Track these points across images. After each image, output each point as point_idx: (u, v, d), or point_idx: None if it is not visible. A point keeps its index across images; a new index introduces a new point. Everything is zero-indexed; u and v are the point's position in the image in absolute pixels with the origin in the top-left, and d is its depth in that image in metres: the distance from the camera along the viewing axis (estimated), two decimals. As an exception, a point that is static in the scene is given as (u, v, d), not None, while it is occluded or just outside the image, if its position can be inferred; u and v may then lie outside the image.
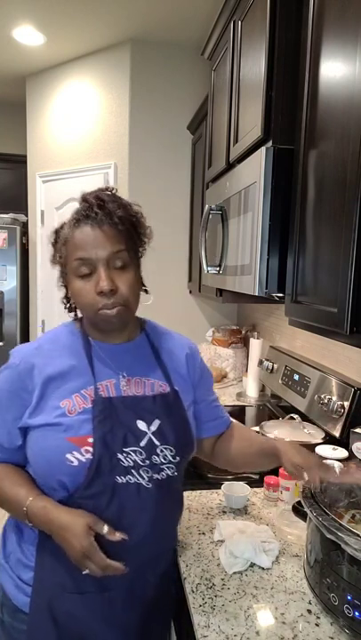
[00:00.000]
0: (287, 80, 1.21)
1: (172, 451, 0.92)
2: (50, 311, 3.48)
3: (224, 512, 1.23)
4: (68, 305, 1.01)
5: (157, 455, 0.90)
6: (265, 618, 0.86)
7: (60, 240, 0.94)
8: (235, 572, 0.98)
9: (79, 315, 1.00)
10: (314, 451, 1.34)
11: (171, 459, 0.91)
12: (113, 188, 0.95)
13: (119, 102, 2.87)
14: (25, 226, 3.70)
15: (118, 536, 0.83)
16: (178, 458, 0.93)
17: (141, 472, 0.88)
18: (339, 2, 0.99)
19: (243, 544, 1.02)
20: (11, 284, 3.63)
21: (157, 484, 0.90)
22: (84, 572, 0.82)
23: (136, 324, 1.03)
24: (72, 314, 1.02)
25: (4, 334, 3.64)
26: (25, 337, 3.74)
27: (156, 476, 0.90)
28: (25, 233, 3.70)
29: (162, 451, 0.90)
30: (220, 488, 1.28)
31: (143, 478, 0.88)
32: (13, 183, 3.89)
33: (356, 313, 0.90)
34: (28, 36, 2.78)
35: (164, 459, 0.91)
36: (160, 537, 0.93)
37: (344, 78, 0.94)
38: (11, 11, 2.53)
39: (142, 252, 0.98)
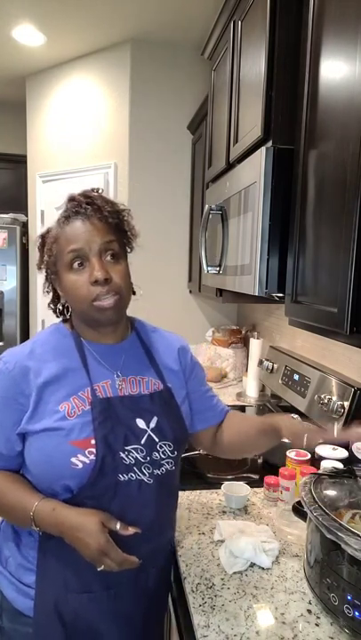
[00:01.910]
0: (287, 80, 1.21)
1: (170, 446, 0.94)
2: (50, 311, 3.47)
3: (224, 512, 1.23)
4: (57, 308, 1.01)
5: (157, 451, 0.92)
6: (265, 618, 0.86)
7: (48, 240, 0.94)
8: (235, 572, 0.98)
9: (67, 317, 1.00)
10: (314, 451, 1.34)
11: (170, 454, 0.94)
12: (100, 189, 0.98)
13: (119, 102, 2.87)
14: (25, 226, 3.70)
15: (131, 530, 0.85)
16: (176, 452, 0.95)
17: (143, 469, 0.90)
18: (339, 2, 0.99)
19: (243, 544, 1.02)
20: (11, 284, 3.63)
21: (158, 479, 0.92)
22: (98, 569, 0.82)
23: (127, 324, 1.04)
24: (61, 317, 1.02)
25: (4, 334, 3.64)
26: (25, 337, 3.74)
27: (156, 471, 0.92)
28: (25, 233, 3.70)
29: (161, 447, 0.93)
30: (220, 488, 1.28)
31: (145, 475, 0.90)
32: (13, 183, 3.88)
33: (356, 313, 0.90)
34: (28, 36, 2.78)
35: (164, 454, 0.93)
36: (161, 530, 0.97)
37: (344, 78, 0.94)
38: (11, 11, 2.52)
39: (130, 249, 0.99)
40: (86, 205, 0.90)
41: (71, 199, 0.93)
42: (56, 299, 1.01)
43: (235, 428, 1.11)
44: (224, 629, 0.83)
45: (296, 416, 1.06)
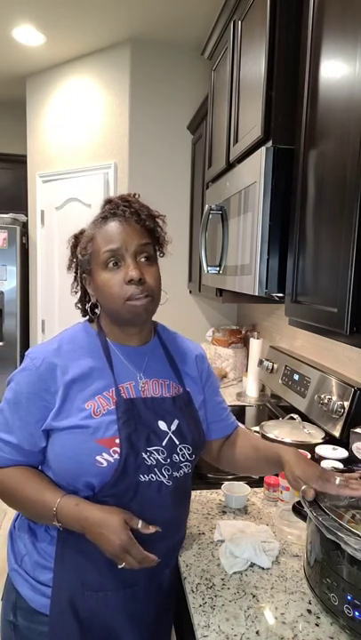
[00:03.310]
0: (287, 80, 1.21)
1: (189, 449, 0.95)
2: (50, 311, 3.48)
3: (224, 512, 1.23)
4: (84, 307, 1.02)
5: (177, 454, 0.93)
6: (265, 618, 0.86)
7: (83, 240, 0.96)
8: (235, 572, 0.98)
9: (92, 317, 1.01)
10: (314, 451, 1.34)
11: (188, 457, 0.95)
12: (137, 194, 1.00)
13: (119, 102, 2.87)
14: (25, 226, 3.70)
15: (152, 529, 0.86)
16: (194, 456, 0.97)
17: (163, 471, 0.91)
18: (339, 2, 0.99)
19: (243, 544, 1.02)
20: (11, 284, 3.63)
21: (175, 481, 0.93)
22: (120, 567, 0.83)
23: (151, 328, 1.05)
24: (86, 317, 1.03)
25: (4, 334, 3.64)
26: (25, 337, 3.74)
27: (175, 473, 0.93)
28: (25, 233, 3.70)
29: (181, 450, 0.94)
30: (220, 488, 1.28)
31: (164, 477, 0.91)
32: (13, 183, 3.88)
33: (356, 313, 0.90)
34: (28, 35, 2.78)
35: (183, 457, 0.94)
36: (176, 531, 0.99)
37: (344, 78, 0.94)
38: (11, 11, 2.53)
39: (161, 254, 1.01)
40: (124, 208, 0.93)
41: (108, 201, 0.96)
42: (84, 298, 1.02)
43: (243, 446, 1.13)
44: (224, 629, 0.83)
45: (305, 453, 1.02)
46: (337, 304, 0.94)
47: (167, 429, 0.93)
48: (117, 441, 0.87)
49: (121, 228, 0.91)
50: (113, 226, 0.92)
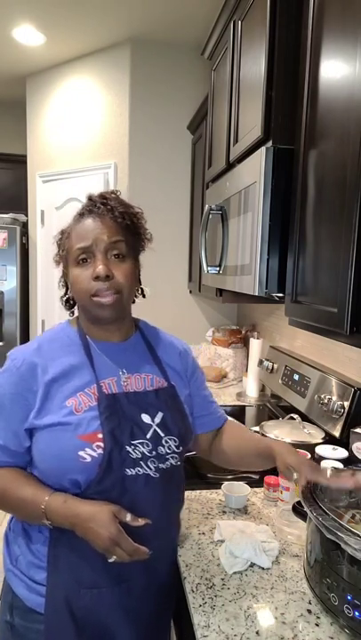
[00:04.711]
0: (287, 80, 1.21)
1: (175, 441, 0.96)
2: (50, 311, 3.48)
3: (224, 512, 1.23)
4: (67, 303, 1.05)
5: (163, 446, 0.94)
6: (265, 618, 0.86)
7: (64, 235, 0.99)
8: (235, 572, 0.98)
9: (75, 313, 1.04)
10: (314, 451, 1.34)
11: (175, 448, 0.96)
12: (117, 191, 1.01)
13: (119, 102, 2.87)
14: (25, 226, 3.70)
15: (141, 521, 0.86)
16: (181, 447, 0.98)
17: (149, 463, 0.92)
18: (339, 2, 0.99)
19: (243, 544, 1.02)
20: (11, 284, 3.63)
21: (163, 473, 0.94)
22: (110, 561, 0.83)
23: (132, 323, 1.06)
24: (70, 312, 1.06)
25: (4, 334, 3.64)
26: (25, 337, 3.74)
27: (161, 465, 0.94)
28: (25, 233, 3.70)
29: (166, 441, 0.95)
30: (220, 488, 1.28)
31: (150, 469, 0.92)
32: (13, 183, 3.88)
33: (356, 313, 0.90)
34: (28, 35, 2.78)
35: (169, 449, 0.95)
36: (169, 523, 1.00)
37: (344, 78, 0.94)
38: (11, 11, 2.53)
39: (140, 251, 1.02)
40: (100, 205, 0.94)
41: (88, 198, 0.98)
42: (67, 292, 1.04)
43: (234, 439, 1.13)
44: (224, 629, 0.83)
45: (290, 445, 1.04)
46: (337, 304, 0.94)
47: (151, 422, 0.94)
48: (100, 435, 0.88)
49: (94, 224, 0.93)
50: (87, 223, 0.94)
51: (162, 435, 0.94)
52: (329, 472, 0.91)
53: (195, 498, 1.29)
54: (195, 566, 1.00)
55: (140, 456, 0.91)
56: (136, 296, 1.05)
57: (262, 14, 1.28)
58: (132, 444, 0.90)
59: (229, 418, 1.20)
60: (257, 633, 0.82)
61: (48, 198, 3.40)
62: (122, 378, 0.97)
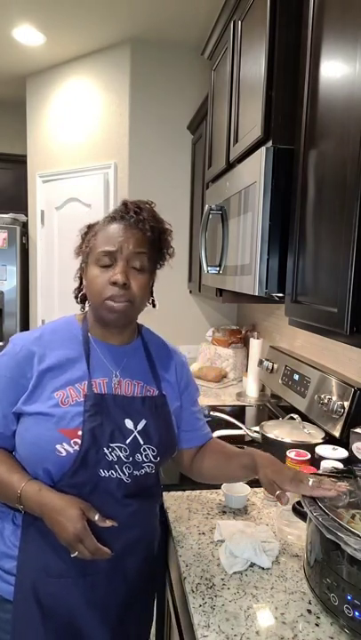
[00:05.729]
0: (287, 80, 1.21)
1: (154, 451, 0.97)
2: (50, 311, 3.48)
3: (224, 512, 1.23)
4: (79, 296, 1.05)
5: (140, 454, 0.95)
6: (265, 618, 0.86)
7: (91, 232, 1.00)
8: (235, 572, 0.98)
9: (86, 309, 1.05)
10: (314, 451, 1.34)
11: (152, 458, 0.97)
12: (152, 203, 1.02)
13: (119, 102, 2.87)
14: (25, 226, 3.70)
15: (108, 523, 0.88)
16: (158, 458, 0.98)
17: (124, 468, 0.93)
18: (339, 2, 0.99)
19: (243, 544, 1.02)
20: (11, 283, 3.63)
21: (136, 480, 0.95)
22: (72, 555, 0.85)
23: (134, 329, 1.08)
24: (80, 306, 1.07)
25: (4, 334, 3.64)
26: (25, 337, 3.74)
27: (136, 472, 0.95)
28: (25, 233, 3.70)
29: (145, 450, 0.96)
30: (220, 488, 1.28)
31: (124, 474, 0.93)
32: (13, 183, 3.88)
33: (356, 313, 0.90)
34: (28, 35, 2.78)
35: (146, 458, 0.96)
36: (137, 526, 0.99)
37: (344, 78, 0.94)
38: (11, 11, 2.52)
39: (160, 266, 1.04)
40: (133, 214, 0.96)
41: (123, 204, 0.99)
42: (80, 286, 1.05)
43: (215, 456, 1.13)
44: (224, 629, 0.83)
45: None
46: (337, 304, 0.94)
47: (133, 428, 0.95)
48: (80, 432, 0.90)
49: (122, 231, 0.94)
50: (115, 228, 0.95)
51: (141, 442, 0.95)
52: (311, 481, 0.91)
53: (195, 498, 1.29)
54: (195, 566, 1.01)
55: (115, 459, 0.92)
56: (145, 305, 1.05)
57: (262, 14, 1.28)
58: (110, 447, 0.91)
59: (214, 436, 1.19)
60: (257, 633, 0.82)
61: (48, 198, 3.40)
62: (113, 380, 0.98)
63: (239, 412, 2.12)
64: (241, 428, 1.68)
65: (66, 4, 2.43)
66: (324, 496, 0.88)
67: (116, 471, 0.92)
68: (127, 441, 0.93)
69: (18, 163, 3.74)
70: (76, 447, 0.89)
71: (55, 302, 3.42)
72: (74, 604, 0.92)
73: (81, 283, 1.04)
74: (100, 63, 2.96)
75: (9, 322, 3.64)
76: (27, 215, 3.66)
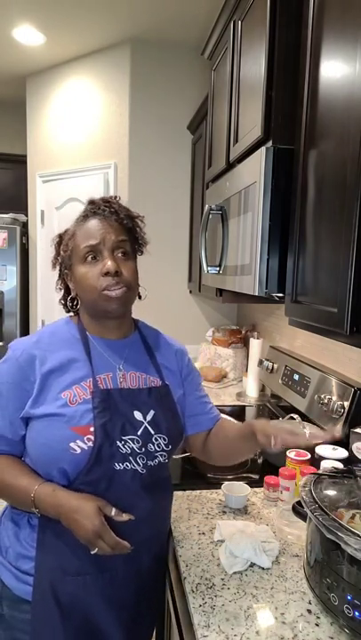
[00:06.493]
0: (287, 80, 1.21)
1: (165, 439, 0.98)
2: (50, 311, 3.48)
3: (224, 512, 1.23)
4: (68, 304, 1.07)
5: (152, 443, 0.97)
6: (265, 618, 0.86)
7: (65, 237, 1.02)
8: (235, 572, 0.98)
9: (76, 310, 1.06)
10: (314, 451, 1.34)
11: (164, 447, 0.98)
12: (117, 197, 1.05)
13: (119, 102, 2.87)
14: (25, 226, 3.70)
15: (125, 517, 0.89)
16: (170, 446, 1.00)
17: (138, 459, 0.94)
18: (339, 2, 0.99)
19: (243, 544, 1.02)
20: (11, 283, 3.63)
21: (150, 470, 0.96)
22: (92, 552, 0.86)
23: (131, 323, 1.10)
24: (71, 313, 1.08)
25: (4, 334, 3.64)
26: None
27: (150, 462, 0.96)
28: (25, 233, 3.70)
29: (156, 439, 0.97)
30: (220, 488, 1.28)
31: (139, 465, 0.94)
32: (13, 183, 3.88)
33: (356, 313, 0.90)
34: (28, 35, 2.78)
35: (158, 447, 0.97)
36: (154, 519, 1.01)
37: (344, 78, 0.94)
38: (11, 11, 2.52)
39: (140, 254, 1.06)
40: (104, 207, 0.99)
41: (91, 202, 1.02)
42: (67, 294, 1.07)
43: (222, 434, 1.14)
44: (224, 629, 0.83)
45: (277, 421, 1.04)
46: (337, 304, 0.94)
47: (142, 419, 0.96)
48: (92, 429, 0.91)
49: (100, 225, 0.97)
50: (93, 223, 0.98)
51: (152, 432, 0.97)
52: (307, 433, 0.92)
53: (195, 498, 1.29)
54: (195, 566, 1.01)
55: (129, 451, 0.93)
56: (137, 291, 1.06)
57: (262, 14, 1.28)
58: (123, 440, 0.92)
59: (222, 415, 1.19)
60: (257, 633, 0.82)
61: (48, 198, 3.40)
62: (118, 374, 0.99)
63: (239, 412, 2.12)
64: (241, 428, 1.68)
65: (66, 3, 2.43)
66: (322, 440, 0.89)
67: (130, 463, 0.93)
68: (138, 432, 0.95)
69: (18, 163, 3.75)
70: (90, 443, 0.90)
71: (55, 302, 3.40)
72: (92, 602, 0.93)
73: (66, 290, 1.06)
74: (100, 63, 2.96)
75: (9, 322, 3.64)
76: (27, 215, 3.66)
